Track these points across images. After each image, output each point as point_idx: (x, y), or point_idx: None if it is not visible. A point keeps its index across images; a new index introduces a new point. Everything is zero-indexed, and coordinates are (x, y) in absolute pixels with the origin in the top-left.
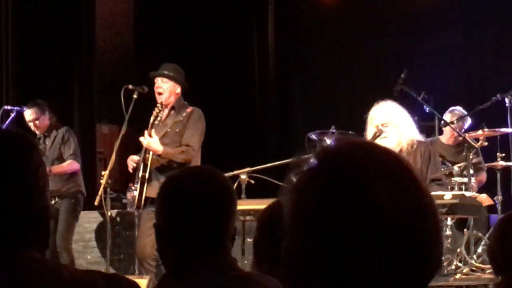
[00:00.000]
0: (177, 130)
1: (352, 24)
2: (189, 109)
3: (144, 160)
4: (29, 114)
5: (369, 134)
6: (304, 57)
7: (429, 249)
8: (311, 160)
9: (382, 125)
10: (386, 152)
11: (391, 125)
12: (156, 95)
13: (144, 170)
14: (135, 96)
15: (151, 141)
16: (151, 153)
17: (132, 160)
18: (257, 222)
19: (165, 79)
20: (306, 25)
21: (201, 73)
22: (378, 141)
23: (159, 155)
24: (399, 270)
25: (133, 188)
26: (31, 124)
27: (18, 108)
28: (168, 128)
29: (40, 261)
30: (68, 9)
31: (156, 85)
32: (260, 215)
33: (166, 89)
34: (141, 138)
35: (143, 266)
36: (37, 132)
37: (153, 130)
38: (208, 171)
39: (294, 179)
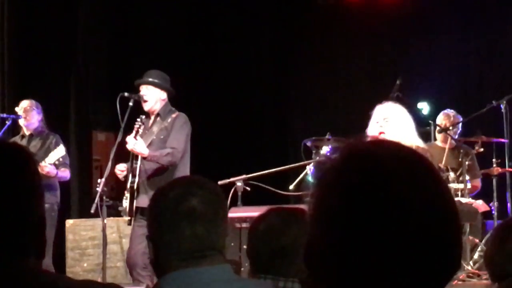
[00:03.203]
0: (162, 137)
1: (348, 30)
2: (174, 115)
3: (133, 170)
4: (26, 103)
5: (369, 131)
6: (300, 63)
7: (452, 248)
8: (336, 158)
9: (384, 119)
10: (409, 151)
11: (391, 122)
12: (142, 103)
13: (133, 181)
14: (130, 103)
15: (136, 143)
16: (138, 162)
17: (120, 170)
18: (248, 232)
19: (150, 87)
20: (302, 32)
21: (195, 79)
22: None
23: (144, 158)
24: (422, 269)
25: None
26: (21, 112)
27: (14, 116)
28: (154, 135)
29: (36, 272)
30: (64, 17)
31: (141, 93)
32: (251, 225)
33: (151, 96)
34: (127, 139)
35: (132, 275)
36: (23, 127)
37: (139, 136)
38: (198, 181)
39: (318, 176)
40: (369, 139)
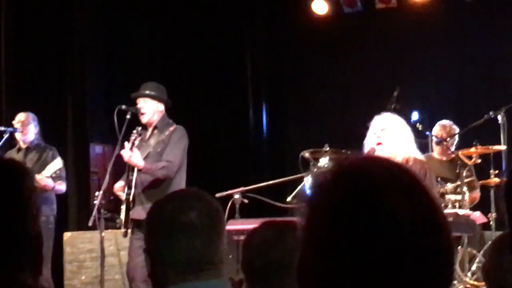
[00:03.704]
0: (159, 150)
1: (346, 42)
2: (172, 128)
3: (129, 182)
4: (23, 116)
5: (367, 142)
6: (296, 75)
7: (444, 261)
8: (326, 175)
9: (382, 130)
10: (399, 168)
11: (389, 133)
12: (139, 116)
13: (128, 192)
14: (128, 116)
15: (132, 155)
16: (135, 174)
17: (118, 190)
18: (243, 245)
19: (147, 99)
20: (298, 43)
21: (192, 91)
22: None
23: (139, 170)
24: (415, 284)
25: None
26: (18, 125)
27: (11, 129)
28: (151, 148)
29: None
30: (61, 30)
31: (138, 105)
32: (245, 239)
33: (148, 109)
34: (122, 151)
35: None
36: (20, 140)
37: (135, 148)
38: (195, 194)
39: (309, 193)
40: (365, 151)
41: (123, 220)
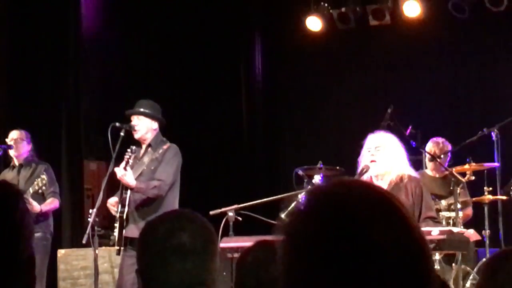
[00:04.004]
0: (152, 168)
1: (340, 58)
2: (165, 146)
3: (122, 200)
4: (15, 133)
5: (361, 160)
6: (291, 91)
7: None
8: (301, 203)
9: (375, 148)
10: (376, 193)
11: (383, 150)
12: (133, 133)
13: (122, 210)
14: (122, 133)
15: (125, 173)
16: (128, 192)
17: (111, 205)
18: (236, 264)
19: (141, 117)
20: (293, 60)
21: (187, 108)
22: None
23: (131, 189)
24: None
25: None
26: (11, 143)
27: (5, 147)
28: (145, 166)
29: None
30: (55, 46)
31: (132, 123)
32: (238, 258)
33: (142, 126)
34: (116, 169)
35: None
36: (14, 157)
37: (128, 167)
38: (187, 215)
39: (285, 222)
40: (359, 169)
41: (116, 238)
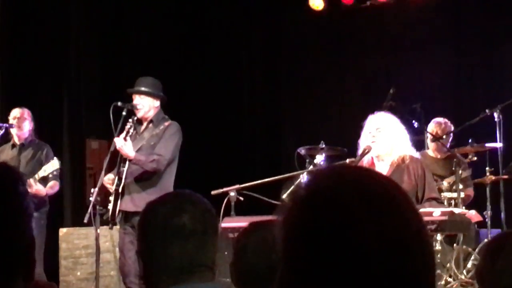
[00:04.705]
0: (152, 143)
1: (341, 39)
2: (167, 123)
3: (119, 173)
4: (18, 111)
5: (362, 141)
6: (292, 72)
7: (421, 282)
8: (301, 188)
9: (376, 129)
10: (376, 182)
11: (384, 132)
12: (135, 111)
13: (118, 183)
14: (124, 113)
15: (124, 144)
16: (126, 166)
17: (108, 183)
18: (236, 248)
19: (142, 96)
20: (295, 41)
21: (188, 88)
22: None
23: (130, 160)
24: None
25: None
26: (14, 122)
27: (7, 125)
28: (145, 141)
29: None
30: (56, 25)
31: (134, 102)
32: (237, 242)
33: (144, 105)
34: (115, 139)
35: (125, 283)
36: (15, 136)
37: (128, 138)
38: (188, 197)
39: (284, 206)
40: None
41: (110, 212)
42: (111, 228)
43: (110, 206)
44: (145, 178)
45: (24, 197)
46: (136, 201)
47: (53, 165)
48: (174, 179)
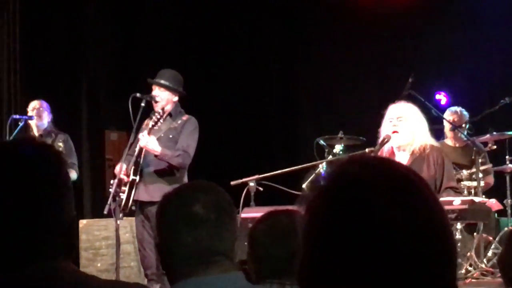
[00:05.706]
0: (171, 136)
1: (358, 28)
2: (185, 117)
3: (136, 164)
4: (37, 103)
5: (383, 130)
6: (310, 62)
7: (440, 275)
8: (322, 177)
9: (397, 118)
10: (399, 173)
11: (405, 121)
12: (153, 103)
13: (135, 174)
14: (142, 104)
15: (149, 140)
16: (142, 158)
17: (120, 174)
18: (254, 237)
19: (162, 88)
20: (312, 31)
21: (207, 79)
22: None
23: (155, 156)
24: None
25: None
26: (33, 113)
27: (26, 117)
28: (162, 133)
29: (69, 271)
30: (74, 17)
31: (153, 93)
32: (254, 230)
33: (163, 98)
34: (140, 136)
35: (146, 275)
36: (34, 127)
37: (152, 135)
38: (202, 187)
39: (305, 196)
40: (380, 139)
41: (124, 201)
42: (121, 219)
43: (124, 196)
44: (161, 170)
45: (68, 176)
46: (150, 191)
47: (72, 154)
48: (195, 170)
